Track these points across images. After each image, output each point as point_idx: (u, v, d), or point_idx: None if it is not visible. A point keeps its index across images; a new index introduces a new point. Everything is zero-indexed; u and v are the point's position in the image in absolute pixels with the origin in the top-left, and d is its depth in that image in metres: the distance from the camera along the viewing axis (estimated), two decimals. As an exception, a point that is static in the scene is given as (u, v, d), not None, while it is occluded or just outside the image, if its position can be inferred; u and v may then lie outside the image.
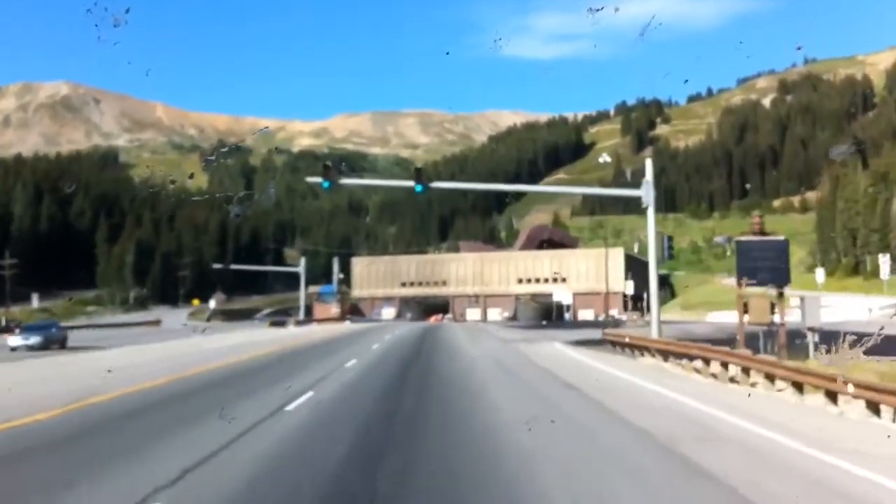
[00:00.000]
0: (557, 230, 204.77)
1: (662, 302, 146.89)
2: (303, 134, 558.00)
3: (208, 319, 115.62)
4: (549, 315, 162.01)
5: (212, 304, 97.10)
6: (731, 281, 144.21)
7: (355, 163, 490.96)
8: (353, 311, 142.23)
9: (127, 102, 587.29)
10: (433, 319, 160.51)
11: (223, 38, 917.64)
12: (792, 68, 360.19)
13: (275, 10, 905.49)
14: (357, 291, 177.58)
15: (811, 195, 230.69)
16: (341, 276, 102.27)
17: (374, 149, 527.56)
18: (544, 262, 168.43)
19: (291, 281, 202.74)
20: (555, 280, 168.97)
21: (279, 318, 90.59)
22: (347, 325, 78.22)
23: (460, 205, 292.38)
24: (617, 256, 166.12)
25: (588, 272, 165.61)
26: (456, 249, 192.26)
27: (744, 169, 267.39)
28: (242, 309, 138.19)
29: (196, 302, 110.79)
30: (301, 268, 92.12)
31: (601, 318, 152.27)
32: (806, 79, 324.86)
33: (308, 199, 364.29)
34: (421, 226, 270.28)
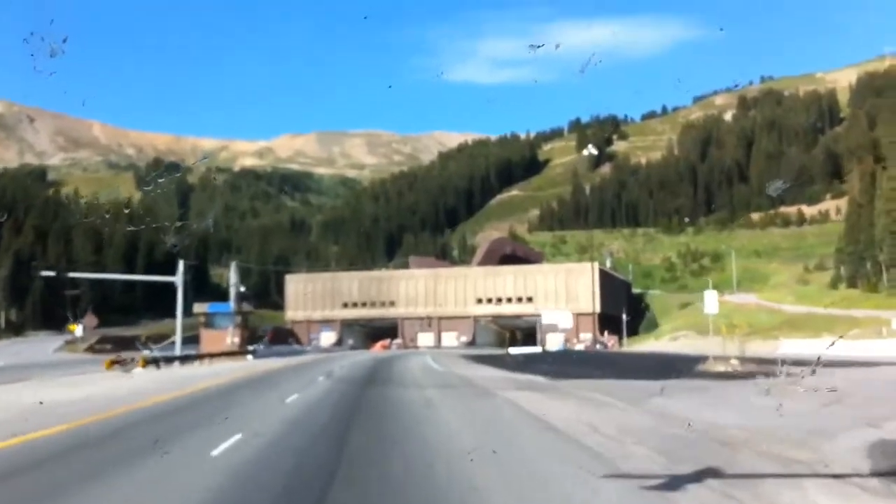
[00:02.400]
0: (521, 244, 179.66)
1: (648, 327, 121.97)
2: (246, 154, 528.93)
3: (89, 349, 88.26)
4: (520, 340, 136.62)
5: (78, 330, 70.21)
6: (737, 298, 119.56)
7: (300, 182, 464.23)
8: (276, 337, 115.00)
9: (63, 121, 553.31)
10: (379, 346, 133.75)
11: (164, 57, 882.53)
12: (749, 86, 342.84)
13: (218, 29, 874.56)
14: (291, 313, 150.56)
15: (788, 209, 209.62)
16: (243, 288, 74.02)
17: (319, 169, 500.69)
18: (507, 279, 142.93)
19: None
20: (519, 300, 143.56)
21: (128, 352, 61.86)
22: (246, 364, 51.28)
23: (408, 221, 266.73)
24: (588, 273, 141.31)
25: (557, 290, 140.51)
26: (405, 266, 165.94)
27: (709, 184, 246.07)
28: (130, 336, 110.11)
29: (73, 328, 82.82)
30: (178, 276, 60.64)
31: (577, 345, 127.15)
32: (767, 95, 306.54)
33: (247, 218, 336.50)
34: (366, 244, 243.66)
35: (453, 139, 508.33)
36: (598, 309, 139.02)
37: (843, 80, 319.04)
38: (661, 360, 46.72)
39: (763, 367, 29.33)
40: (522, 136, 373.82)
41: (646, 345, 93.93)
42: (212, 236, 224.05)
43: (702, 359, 40.30)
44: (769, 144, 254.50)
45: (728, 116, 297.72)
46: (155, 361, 43.64)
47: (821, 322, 71.07)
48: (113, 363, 40.96)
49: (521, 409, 18.50)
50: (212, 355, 55.39)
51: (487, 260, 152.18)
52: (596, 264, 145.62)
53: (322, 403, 20.69)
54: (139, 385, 29.50)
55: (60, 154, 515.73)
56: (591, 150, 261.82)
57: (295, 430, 14.82)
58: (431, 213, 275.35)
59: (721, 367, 34.48)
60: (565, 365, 47.69)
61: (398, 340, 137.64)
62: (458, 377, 32.92)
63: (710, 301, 40.71)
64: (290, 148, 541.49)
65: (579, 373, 34.80)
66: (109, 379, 33.89)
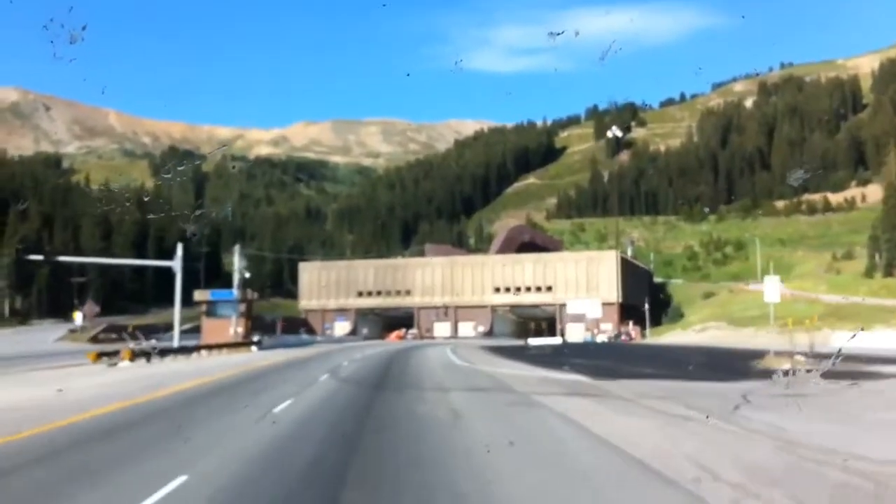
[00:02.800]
0: (539, 232, 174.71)
1: (673, 317, 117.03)
2: (261, 142, 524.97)
3: (93, 339, 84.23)
4: (539, 331, 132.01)
5: (78, 319, 65.50)
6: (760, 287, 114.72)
7: (315, 171, 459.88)
8: (288, 327, 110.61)
9: (78, 109, 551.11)
10: (394, 336, 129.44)
11: (180, 45, 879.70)
12: (769, 72, 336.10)
13: (233, 17, 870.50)
14: (305, 302, 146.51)
15: (814, 197, 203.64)
16: (246, 273, 69.03)
17: (334, 157, 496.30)
18: (526, 267, 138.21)
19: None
20: (538, 288, 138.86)
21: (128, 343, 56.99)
22: (248, 357, 46.43)
23: (424, 210, 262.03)
24: (609, 261, 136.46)
25: (578, 279, 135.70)
26: (421, 254, 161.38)
27: (730, 171, 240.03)
28: (144, 325, 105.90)
29: (75, 315, 78.84)
30: (176, 261, 54.94)
31: (598, 336, 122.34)
32: (787, 81, 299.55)
33: (262, 206, 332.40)
34: (382, 232, 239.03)
35: (469, 127, 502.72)
36: (619, 299, 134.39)
37: (864, 66, 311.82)
38: (707, 355, 42.00)
39: (845, 366, 24.49)
40: (539, 123, 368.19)
41: (673, 336, 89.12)
42: (226, 224, 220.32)
43: (758, 354, 35.53)
44: (791, 131, 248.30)
45: (749, 103, 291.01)
46: (145, 354, 39.22)
47: (865, 312, 66.04)
48: (99, 355, 36.59)
49: (582, 428, 13.89)
50: (211, 347, 50.90)
51: (506, 248, 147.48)
52: (618, 252, 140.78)
53: (317, 418, 16.08)
54: (105, 385, 24.91)
55: (76, 142, 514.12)
56: (615, 131, 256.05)
57: (264, 474, 10.12)
58: (447, 201, 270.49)
59: (786, 364, 29.63)
60: (600, 359, 43.06)
61: (414, 330, 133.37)
62: (486, 376, 28.32)
63: (771, 289, 35.91)
64: (306, 136, 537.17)
65: (624, 370, 30.16)
66: (84, 375, 29.49)
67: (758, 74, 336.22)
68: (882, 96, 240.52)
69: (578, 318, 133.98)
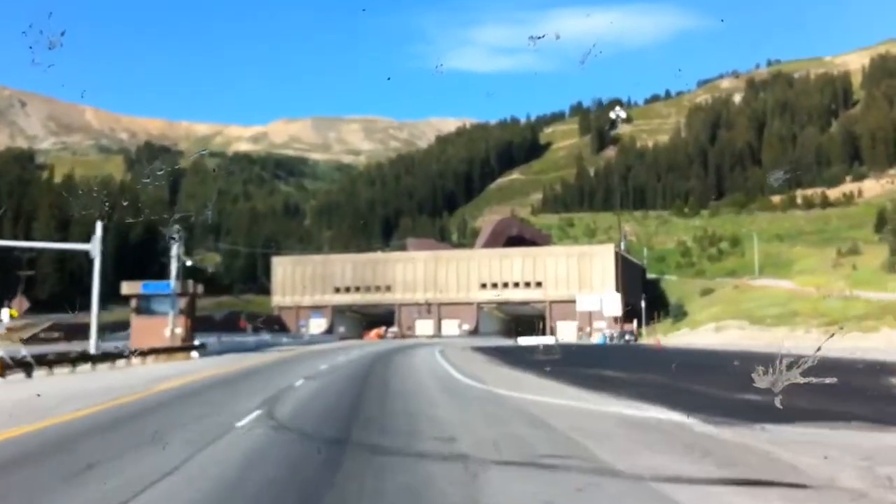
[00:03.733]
0: (528, 226, 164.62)
1: (677, 315, 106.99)
2: (240, 139, 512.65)
3: (29, 339, 73.83)
4: (531, 328, 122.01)
5: (3, 316, 54.50)
6: (769, 283, 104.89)
7: (294, 168, 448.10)
8: (262, 325, 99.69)
9: (55, 106, 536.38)
10: (374, 335, 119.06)
11: (158, 41, 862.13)
12: (756, 69, 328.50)
13: (213, 13, 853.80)
14: (279, 298, 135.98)
15: (810, 192, 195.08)
16: (187, 261, 57.51)
17: (314, 155, 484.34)
18: (514, 262, 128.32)
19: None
20: (527, 284, 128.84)
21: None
22: (178, 369, 33.91)
23: (405, 206, 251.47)
24: (605, 256, 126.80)
25: (569, 275, 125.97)
26: (403, 249, 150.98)
27: (720, 167, 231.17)
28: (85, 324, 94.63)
29: (14, 313, 67.64)
30: (94, 243, 43.41)
31: (591, 337, 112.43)
32: (776, 78, 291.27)
33: (240, 202, 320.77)
34: (362, 228, 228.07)
35: (451, 125, 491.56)
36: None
37: (851, 63, 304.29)
38: (819, 370, 31.99)
39: None
40: (523, 120, 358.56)
41: (686, 337, 79.14)
42: (198, 219, 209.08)
43: (874, 365, 25.27)
44: (782, 126, 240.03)
45: (737, 99, 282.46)
46: (25, 365, 28.52)
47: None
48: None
49: None
50: (145, 353, 39.96)
51: (492, 241, 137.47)
52: (616, 246, 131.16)
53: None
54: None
55: (52, 138, 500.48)
56: (619, 113, 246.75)
57: None
58: (429, 197, 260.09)
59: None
60: (644, 370, 32.82)
61: (394, 328, 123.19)
62: (515, 411, 17.29)
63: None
64: (285, 133, 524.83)
65: (727, 398, 19.55)
66: None
67: (739, 73, 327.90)
68: (875, 90, 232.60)
69: (599, 316, 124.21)
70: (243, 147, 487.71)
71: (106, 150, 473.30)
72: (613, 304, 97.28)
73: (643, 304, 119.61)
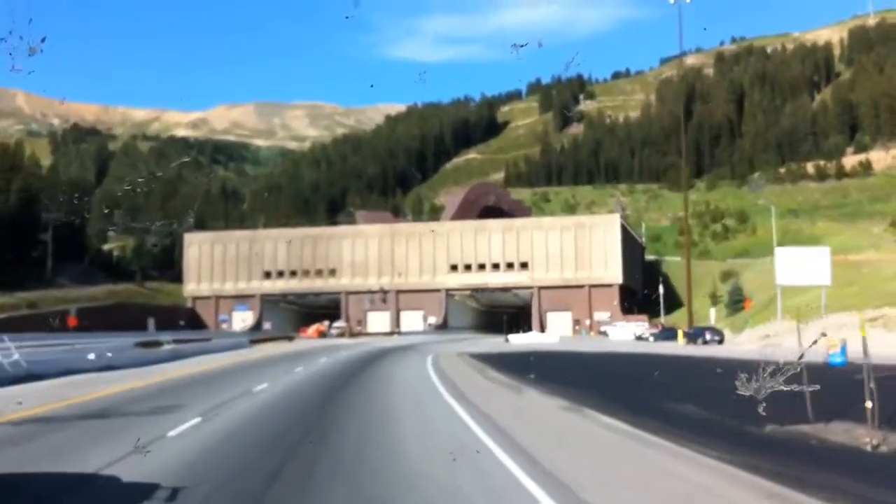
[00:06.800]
0: (506, 195, 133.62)
1: (736, 304, 75.95)
2: (179, 125, 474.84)
3: None
4: (516, 322, 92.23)
5: None
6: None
7: (235, 152, 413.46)
8: (167, 322, 67.70)
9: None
10: (313, 331, 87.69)
11: (93, 23, 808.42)
12: (721, 46, 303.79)
13: None
14: (193, 287, 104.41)
15: (811, 164, 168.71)
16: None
17: (257, 141, 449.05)
18: (492, 237, 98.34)
19: (96, 273, 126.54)
20: (509, 266, 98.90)
21: None
22: None
23: (353, 186, 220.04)
24: (609, 229, 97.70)
25: (563, 254, 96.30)
26: (352, 223, 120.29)
27: (699, 141, 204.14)
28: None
29: None
30: None
31: (591, 333, 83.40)
32: (748, 52, 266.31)
33: (174, 185, 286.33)
34: (304, 208, 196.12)
35: (399, 111, 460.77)
36: (621, 280, 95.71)
37: (822, 38, 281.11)
38: None
39: None
40: (478, 99, 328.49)
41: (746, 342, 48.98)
42: (108, 197, 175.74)
43: None
44: (763, 99, 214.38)
45: (709, 73, 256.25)
46: None
47: None
48: None
49: None
50: None
51: (464, 212, 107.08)
52: (617, 217, 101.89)
53: None
54: None
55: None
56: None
57: None
58: (379, 176, 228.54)
59: None
60: None
61: (340, 323, 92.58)
62: None
63: None
64: (227, 119, 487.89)
65: None
66: None
67: (701, 50, 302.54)
68: (864, 59, 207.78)
69: (553, 304, 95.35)
70: (182, 133, 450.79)
71: (35, 135, 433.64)
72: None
73: (661, 289, 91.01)
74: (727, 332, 57.87)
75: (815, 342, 11.88)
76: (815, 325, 50.49)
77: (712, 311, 67.83)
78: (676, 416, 14.38)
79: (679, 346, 50.24)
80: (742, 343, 50.54)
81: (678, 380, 22.91)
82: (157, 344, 36.99)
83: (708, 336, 50.45)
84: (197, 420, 13.82)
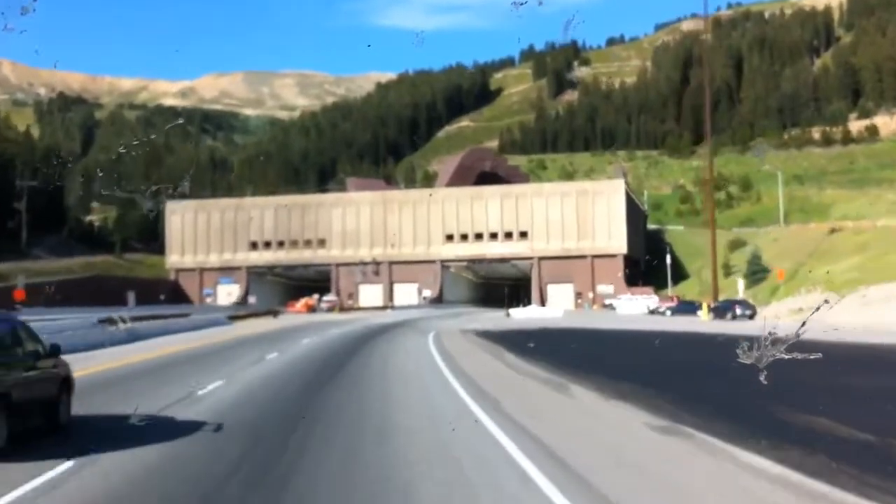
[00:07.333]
0: (503, 161, 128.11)
1: (755, 274, 71.01)
2: (167, 94, 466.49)
3: None
4: (515, 295, 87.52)
5: None
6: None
7: (223, 121, 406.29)
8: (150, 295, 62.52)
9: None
10: (301, 305, 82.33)
11: None
12: (717, 11, 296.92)
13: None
14: (176, 258, 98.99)
15: (816, 130, 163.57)
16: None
17: (246, 110, 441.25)
18: (490, 205, 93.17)
19: (75, 244, 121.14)
20: (508, 235, 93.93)
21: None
22: None
23: (343, 154, 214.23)
24: (613, 196, 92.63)
25: (564, 222, 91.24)
26: (342, 191, 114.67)
27: (697, 106, 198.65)
28: None
29: None
30: None
31: (594, 306, 78.69)
32: (745, 17, 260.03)
33: (161, 154, 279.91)
34: (293, 177, 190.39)
35: (391, 80, 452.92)
36: (626, 250, 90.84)
37: (819, 4, 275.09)
38: None
39: None
40: (470, 66, 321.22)
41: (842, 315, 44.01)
42: (91, 164, 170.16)
43: None
44: (762, 64, 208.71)
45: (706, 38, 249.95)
46: None
47: None
48: None
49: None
50: None
51: (460, 178, 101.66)
52: (621, 182, 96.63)
53: None
54: None
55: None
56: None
57: None
58: (370, 144, 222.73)
59: None
60: None
61: (331, 296, 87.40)
62: None
63: None
64: (216, 88, 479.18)
65: None
66: None
67: (697, 15, 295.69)
68: (866, 21, 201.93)
69: (555, 275, 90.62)
70: (170, 102, 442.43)
71: (20, 104, 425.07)
72: None
73: (668, 259, 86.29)
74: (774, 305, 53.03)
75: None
76: (852, 297, 45.84)
77: (740, 283, 62.49)
78: (835, 441, 9.42)
79: (705, 322, 45.30)
80: (775, 317, 45.65)
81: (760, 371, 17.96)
82: (112, 322, 31.81)
83: (738, 310, 45.26)
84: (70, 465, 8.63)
